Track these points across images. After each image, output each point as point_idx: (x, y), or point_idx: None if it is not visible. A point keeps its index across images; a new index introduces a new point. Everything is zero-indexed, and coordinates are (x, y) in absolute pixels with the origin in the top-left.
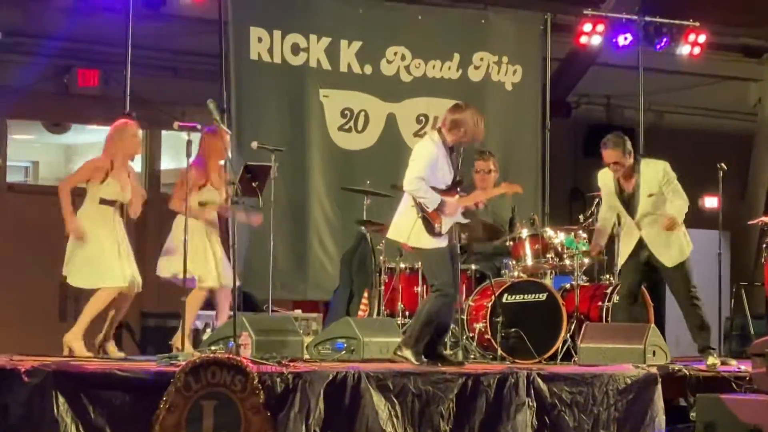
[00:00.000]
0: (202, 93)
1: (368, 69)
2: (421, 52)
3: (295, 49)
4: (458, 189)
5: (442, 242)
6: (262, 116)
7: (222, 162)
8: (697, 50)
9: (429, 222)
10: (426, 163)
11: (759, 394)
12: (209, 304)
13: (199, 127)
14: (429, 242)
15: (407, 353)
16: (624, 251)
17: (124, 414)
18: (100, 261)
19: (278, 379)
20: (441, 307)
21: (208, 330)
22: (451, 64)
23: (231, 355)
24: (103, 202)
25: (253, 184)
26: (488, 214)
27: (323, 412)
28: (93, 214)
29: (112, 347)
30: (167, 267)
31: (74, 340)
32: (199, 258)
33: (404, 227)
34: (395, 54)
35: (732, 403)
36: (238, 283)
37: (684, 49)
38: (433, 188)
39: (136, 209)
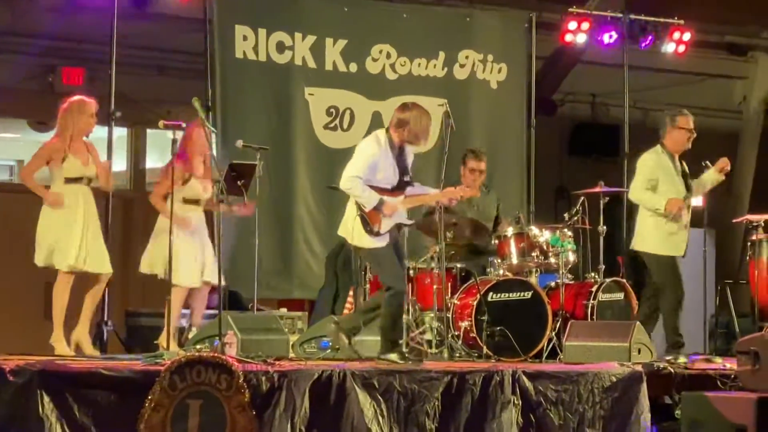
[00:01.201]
0: (187, 91)
1: (353, 67)
2: (407, 50)
3: (280, 48)
4: (406, 190)
5: (381, 242)
6: (247, 115)
7: (207, 154)
8: (682, 48)
9: (366, 221)
10: (364, 161)
11: (744, 391)
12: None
13: (184, 125)
14: (368, 242)
15: (392, 357)
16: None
17: (109, 413)
18: (58, 242)
19: (264, 378)
20: (396, 305)
21: (194, 329)
22: (436, 62)
23: (216, 354)
24: (68, 181)
25: (238, 182)
26: (474, 213)
27: (308, 410)
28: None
29: (85, 343)
30: (146, 263)
31: (56, 341)
32: (182, 255)
33: (349, 225)
34: (380, 52)
35: (717, 400)
36: (223, 283)
37: (669, 47)
38: (375, 187)
39: (106, 181)
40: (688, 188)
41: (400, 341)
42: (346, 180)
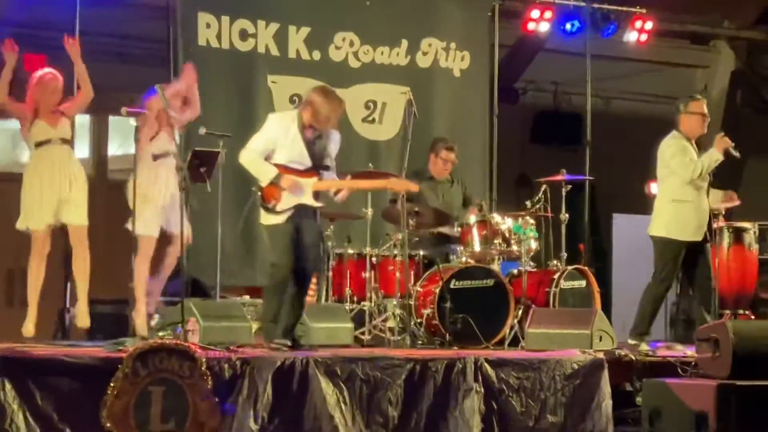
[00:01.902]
0: (150, 79)
1: (317, 55)
2: (370, 38)
3: (243, 35)
4: (322, 174)
5: (278, 219)
6: (210, 102)
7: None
8: (644, 37)
9: (263, 197)
10: (263, 136)
11: (704, 378)
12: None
13: (146, 112)
14: (265, 218)
15: (278, 340)
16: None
17: (71, 400)
18: (31, 206)
19: (226, 365)
20: (275, 282)
21: (156, 317)
22: (399, 50)
23: (179, 341)
24: (38, 145)
25: (201, 169)
26: (439, 202)
27: (271, 398)
28: (31, 161)
29: (81, 318)
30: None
31: (27, 322)
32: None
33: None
34: (344, 40)
35: (678, 387)
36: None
37: (631, 36)
38: (280, 166)
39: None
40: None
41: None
42: (242, 153)
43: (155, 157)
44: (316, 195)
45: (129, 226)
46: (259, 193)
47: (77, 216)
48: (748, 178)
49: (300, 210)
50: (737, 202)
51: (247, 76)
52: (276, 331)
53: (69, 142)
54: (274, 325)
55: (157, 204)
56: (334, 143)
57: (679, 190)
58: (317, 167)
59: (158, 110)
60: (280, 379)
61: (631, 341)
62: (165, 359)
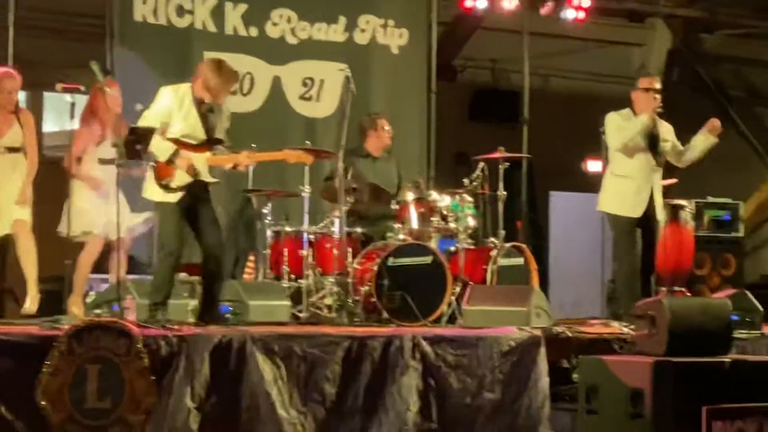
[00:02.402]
0: (85, 55)
1: (254, 31)
2: (307, 15)
3: (180, 11)
4: (214, 148)
5: (170, 197)
6: (146, 78)
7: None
8: (581, 15)
9: (156, 172)
10: (154, 110)
11: (641, 355)
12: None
13: (83, 88)
14: (157, 194)
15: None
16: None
17: (6, 378)
18: None
19: (163, 343)
20: (167, 266)
21: (91, 293)
22: (336, 27)
23: (115, 319)
24: None
25: (137, 146)
26: (376, 178)
27: (208, 375)
28: None
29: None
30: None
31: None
32: (90, 209)
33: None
34: (281, 17)
35: (614, 364)
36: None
37: (569, 14)
38: (173, 139)
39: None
40: (657, 152)
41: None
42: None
43: (102, 162)
44: (211, 170)
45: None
46: (153, 169)
47: (23, 213)
48: None
49: (194, 186)
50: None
51: (184, 53)
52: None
53: (18, 150)
54: (164, 309)
55: (99, 206)
56: (227, 118)
57: (621, 165)
58: (211, 141)
59: (104, 110)
60: (217, 357)
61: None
62: (101, 337)
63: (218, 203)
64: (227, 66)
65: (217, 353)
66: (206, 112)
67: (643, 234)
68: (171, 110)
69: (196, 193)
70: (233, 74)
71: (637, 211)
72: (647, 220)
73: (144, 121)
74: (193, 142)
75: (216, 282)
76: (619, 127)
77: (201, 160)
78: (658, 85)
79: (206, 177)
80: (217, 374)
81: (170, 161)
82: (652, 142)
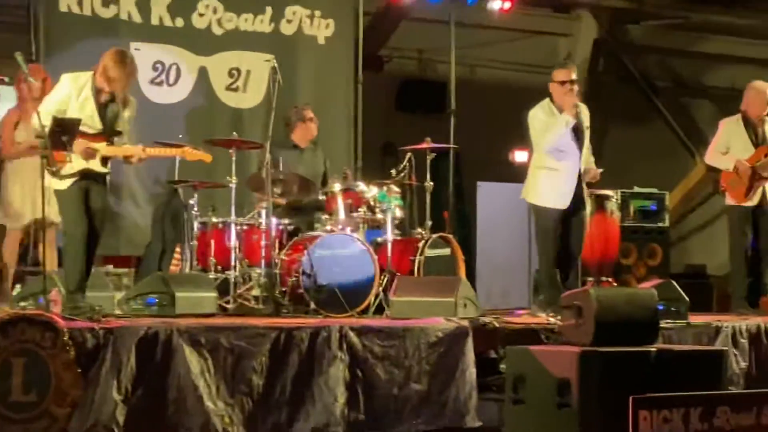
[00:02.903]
0: (10, 45)
1: (180, 22)
2: (233, 6)
3: (105, 2)
4: (111, 138)
5: (62, 184)
6: (72, 69)
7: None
8: (507, 5)
9: (49, 160)
10: (55, 97)
11: (567, 346)
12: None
13: (6, 79)
14: (54, 182)
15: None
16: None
17: None
18: None
19: (89, 335)
20: (72, 252)
21: (18, 286)
22: (263, 18)
23: (41, 312)
24: None
25: (63, 138)
26: (303, 169)
27: (135, 368)
28: None
29: None
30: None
31: None
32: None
33: None
34: (207, 7)
35: (541, 354)
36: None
37: (495, 4)
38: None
39: None
40: (582, 143)
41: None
42: (41, 116)
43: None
44: (105, 161)
45: None
46: (46, 156)
47: None
48: (609, 145)
49: (87, 175)
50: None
51: (110, 43)
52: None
53: None
54: (81, 295)
55: (24, 195)
56: (129, 110)
57: (547, 158)
58: (108, 132)
59: (29, 100)
60: (143, 349)
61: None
62: (26, 330)
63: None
64: (128, 58)
65: (144, 345)
66: (106, 102)
67: (569, 224)
68: (69, 98)
69: (90, 181)
70: (133, 67)
71: (563, 203)
72: (574, 211)
73: (42, 107)
74: (90, 131)
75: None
76: (546, 128)
77: (94, 149)
78: (574, 76)
79: (99, 167)
80: (144, 366)
81: (66, 149)
82: (578, 135)
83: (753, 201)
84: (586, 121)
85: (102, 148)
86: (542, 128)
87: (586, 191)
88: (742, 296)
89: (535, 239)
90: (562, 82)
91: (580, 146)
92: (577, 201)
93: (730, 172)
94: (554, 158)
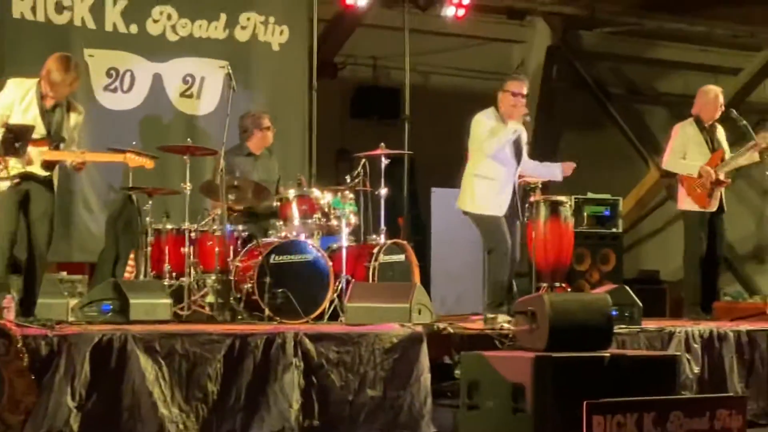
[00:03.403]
0: None
1: (134, 28)
2: (188, 12)
3: (59, 8)
4: (55, 144)
5: (2, 185)
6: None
7: None
8: (461, 12)
9: None
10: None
11: (522, 351)
12: None
13: None
14: None
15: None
16: None
17: None
18: None
19: (43, 342)
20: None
21: None
22: (217, 24)
23: None
24: None
25: (16, 144)
26: (257, 175)
27: (89, 375)
28: None
29: None
30: None
31: None
32: None
33: None
34: (161, 13)
35: (495, 360)
36: None
37: (449, 11)
38: None
39: None
40: (520, 157)
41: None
42: None
43: None
44: (48, 165)
45: None
46: None
47: None
48: (563, 151)
49: (27, 178)
50: (573, 165)
51: (64, 50)
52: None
53: None
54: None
55: None
56: (75, 116)
57: (484, 166)
58: (52, 138)
59: None
60: (98, 356)
61: (490, 315)
62: None
63: (99, 200)
64: (72, 62)
65: (98, 352)
66: (51, 108)
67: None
68: (12, 103)
69: (30, 186)
70: (76, 73)
71: (500, 210)
72: (509, 221)
73: None
74: (34, 136)
75: (35, 278)
76: (493, 133)
77: (37, 155)
78: (525, 90)
79: (41, 171)
80: (98, 373)
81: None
82: (518, 148)
83: (713, 206)
84: (524, 136)
85: (42, 152)
86: (488, 133)
87: (519, 205)
88: (695, 302)
89: (483, 247)
90: (514, 94)
91: (518, 160)
92: (512, 212)
93: (693, 177)
94: (493, 167)
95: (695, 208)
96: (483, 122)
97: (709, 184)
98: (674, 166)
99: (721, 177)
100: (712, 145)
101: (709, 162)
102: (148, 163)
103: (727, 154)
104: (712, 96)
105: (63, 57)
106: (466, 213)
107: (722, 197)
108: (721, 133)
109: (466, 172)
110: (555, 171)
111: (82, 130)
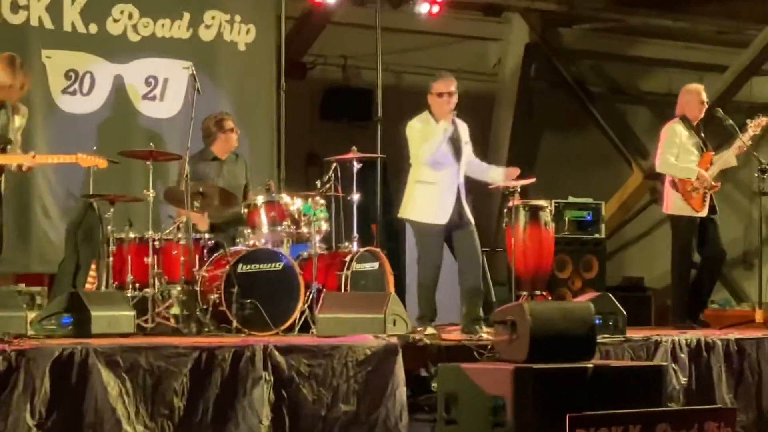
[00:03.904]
0: None
1: (93, 28)
2: (150, 11)
3: (14, 7)
4: (4, 146)
5: None
6: None
7: None
8: (435, 9)
9: None
10: None
11: (502, 362)
12: None
13: None
14: None
15: None
16: None
17: None
18: None
19: (0, 358)
20: None
21: None
22: (181, 23)
23: None
24: None
25: None
26: (223, 181)
27: (49, 391)
28: None
29: None
30: None
31: None
32: None
33: None
34: (122, 12)
35: (474, 372)
36: None
37: (422, 8)
38: None
39: None
40: (460, 157)
41: None
42: None
43: None
44: None
45: None
46: None
47: None
48: (542, 153)
49: None
50: (518, 171)
51: (20, 51)
52: None
53: None
54: None
55: None
56: (20, 118)
57: (424, 172)
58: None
59: None
60: (58, 371)
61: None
62: None
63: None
64: (19, 64)
65: (58, 367)
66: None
67: (452, 240)
68: None
69: None
70: (24, 74)
71: (442, 218)
72: (457, 225)
73: None
74: None
75: None
76: (424, 137)
77: None
78: (453, 88)
79: None
80: (59, 390)
81: None
82: (456, 147)
83: (704, 210)
84: (465, 135)
85: None
86: (420, 137)
87: (467, 207)
88: (683, 309)
89: (417, 260)
90: (440, 94)
91: (459, 159)
92: (459, 216)
93: (689, 180)
94: (431, 171)
95: (684, 212)
96: (414, 127)
97: (703, 188)
98: (670, 168)
99: (715, 181)
100: (704, 146)
101: (700, 164)
102: (101, 163)
103: (715, 156)
104: (695, 94)
105: (9, 57)
106: (406, 221)
107: (713, 200)
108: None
109: (408, 180)
110: (494, 175)
111: (41, 134)
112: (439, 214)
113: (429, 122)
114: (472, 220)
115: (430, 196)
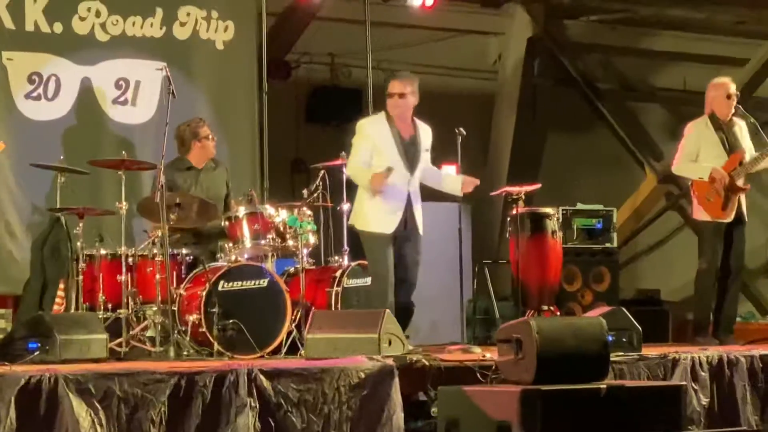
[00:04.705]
0: None
1: (58, 27)
2: (119, 8)
3: None
4: None
5: None
6: None
7: None
8: (429, 1)
9: None
10: None
11: (507, 384)
12: None
13: None
14: None
15: None
16: None
17: None
18: None
19: None
20: None
21: None
22: (153, 21)
23: None
24: None
25: None
26: (201, 191)
27: (15, 422)
28: None
29: None
30: None
31: None
32: None
33: None
34: (89, 10)
35: (477, 395)
36: None
37: (416, 0)
38: None
39: None
40: (411, 162)
41: None
42: None
43: None
44: None
45: None
46: None
47: None
48: (548, 156)
49: None
50: (476, 182)
51: None
52: None
53: None
54: None
55: None
56: None
57: None
58: None
59: None
60: (24, 401)
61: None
62: None
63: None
64: None
65: (25, 396)
66: None
67: (401, 250)
68: None
69: None
70: None
71: (389, 227)
72: (405, 236)
73: None
74: None
75: None
76: (366, 147)
77: None
78: (407, 89)
79: None
80: (26, 420)
81: None
82: (410, 153)
83: (730, 216)
84: (426, 141)
85: None
86: (361, 145)
87: (418, 214)
88: (707, 325)
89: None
90: (390, 95)
91: (412, 167)
92: (405, 225)
93: (704, 182)
94: None
95: (707, 217)
96: (361, 130)
97: (723, 191)
98: (683, 169)
99: (740, 183)
100: (730, 147)
101: (725, 165)
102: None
103: (748, 155)
104: (722, 88)
105: None
106: (356, 230)
107: (741, 206)
108: (741, 130)
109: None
110: (452, 184)
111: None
112: (384, 223)
113: (383, 124)
114: (421, 231)
115: (376, 204)
